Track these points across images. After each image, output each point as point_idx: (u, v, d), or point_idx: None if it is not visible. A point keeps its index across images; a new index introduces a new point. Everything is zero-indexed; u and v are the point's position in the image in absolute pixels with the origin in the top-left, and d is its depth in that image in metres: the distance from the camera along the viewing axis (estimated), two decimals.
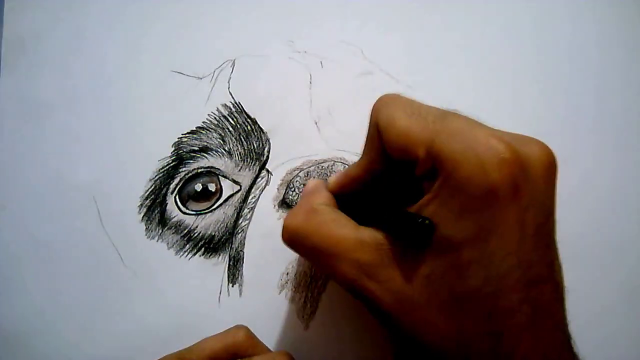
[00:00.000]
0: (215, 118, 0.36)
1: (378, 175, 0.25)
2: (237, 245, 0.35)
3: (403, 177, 0.24)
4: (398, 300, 0.22)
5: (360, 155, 0.26)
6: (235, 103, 0.36)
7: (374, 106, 0.25)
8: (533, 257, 0.20)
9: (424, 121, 0.22)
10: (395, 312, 0.22)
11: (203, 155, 0.36)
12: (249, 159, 0.36)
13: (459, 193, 0.20)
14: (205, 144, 0.36)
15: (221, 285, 0.34)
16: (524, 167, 0.20)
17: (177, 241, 0.35)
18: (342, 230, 0.24)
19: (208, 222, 0.35)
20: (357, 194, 0.27)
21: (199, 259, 0.35)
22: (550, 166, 0.21)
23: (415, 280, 0.22)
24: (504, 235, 0.20)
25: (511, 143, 0.20)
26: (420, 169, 0.22)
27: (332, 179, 0.28)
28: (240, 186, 0.35)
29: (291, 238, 0.25)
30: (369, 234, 0.23)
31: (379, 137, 0.24)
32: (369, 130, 0.25)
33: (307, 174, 0.34)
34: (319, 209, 0.25)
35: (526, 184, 0.20)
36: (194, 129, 0.36)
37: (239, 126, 0.36)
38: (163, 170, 0.35)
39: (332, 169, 0.34)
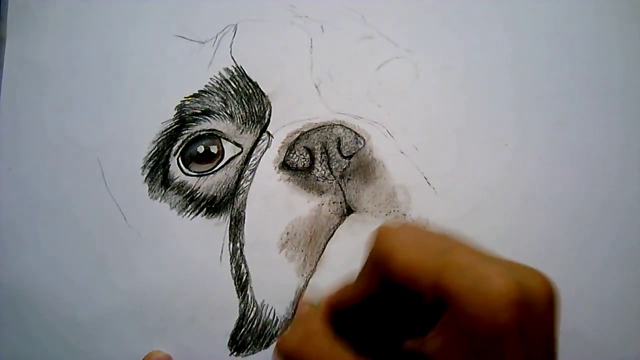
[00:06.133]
0: (217, 82, 0.36)
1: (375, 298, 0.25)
2: (238, 205, 0.35)
3: (403, 303, 0.24)
4: None
5: (356, 277, 0.25)
6: (237, 67, 0.37)
7: (374, 233, 0.24)
8: None
9: (429, 253, 0.22)
10: None
11: (205, 118, 0.36)
12: (250, 122, 0.36)
13: (466, 332, 0.20)
14: (208, 107, 0.36)
15: (223, 245, 0.35)
16: (530, 306, 0.20)
17: (179, 201, 0.35)
18: None
19: (210, 183, 0.36)
20: (355, 309, 0.26)
21: (201, 219, 0.35)
22: (553, 301, 0.22)
23: None
24: None
25: (518, 282, 0.20)
26: (425, 301, 0.22)
27: (326, 299, 0.27)
28: (242, 148, 0.36)
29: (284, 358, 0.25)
30: None
31: (378, 265, 0.23)
32: (367, 257, 0.24)
33: (307, 138, 0.35)
34: (315, 334, 0.25)
35: (532, 323, 0.20)
36: (197, 92, 0.36)
37: (240, 90, 0.36)
38: (166, 132, 0.36)
39: (331, 131, 0.35)
